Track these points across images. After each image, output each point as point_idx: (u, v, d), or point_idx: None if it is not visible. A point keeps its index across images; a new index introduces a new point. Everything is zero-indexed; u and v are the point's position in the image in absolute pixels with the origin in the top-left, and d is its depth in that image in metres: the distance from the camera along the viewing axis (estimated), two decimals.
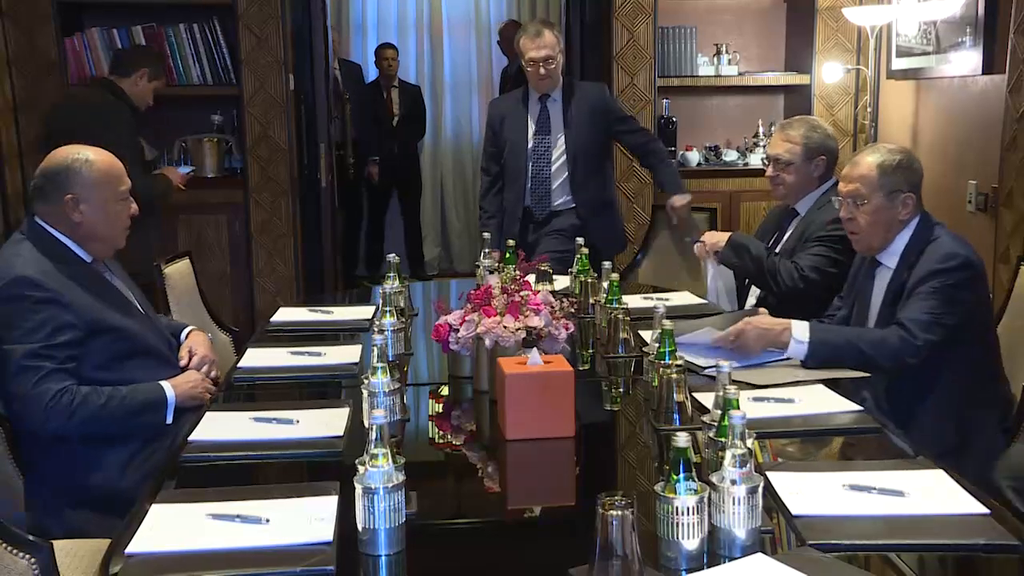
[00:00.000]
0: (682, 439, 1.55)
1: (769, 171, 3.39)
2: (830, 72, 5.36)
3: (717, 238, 3.45)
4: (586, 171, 4.23)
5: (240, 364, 2.71)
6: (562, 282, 3.55)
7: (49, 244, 2.49)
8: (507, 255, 3.38)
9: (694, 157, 5.67)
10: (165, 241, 4.77)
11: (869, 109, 5.05)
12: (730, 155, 5.71)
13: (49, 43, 4.99)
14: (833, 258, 3.14)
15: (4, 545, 1.60)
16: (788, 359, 2.58)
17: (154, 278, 3.24)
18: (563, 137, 4.20)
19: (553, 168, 4.24)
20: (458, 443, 2.33)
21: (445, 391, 2.63)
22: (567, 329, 2.53)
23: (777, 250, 3.37)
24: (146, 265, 3.26)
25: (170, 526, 1.67)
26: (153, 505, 1.75)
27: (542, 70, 4.01)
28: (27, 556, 1.59)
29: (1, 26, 4.71)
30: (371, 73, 7.58)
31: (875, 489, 1.75)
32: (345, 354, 2.76)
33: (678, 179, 4.35)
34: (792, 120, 3.45)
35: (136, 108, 4.41)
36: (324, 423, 2.17)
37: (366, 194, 7.48)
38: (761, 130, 5.74)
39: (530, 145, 4.23)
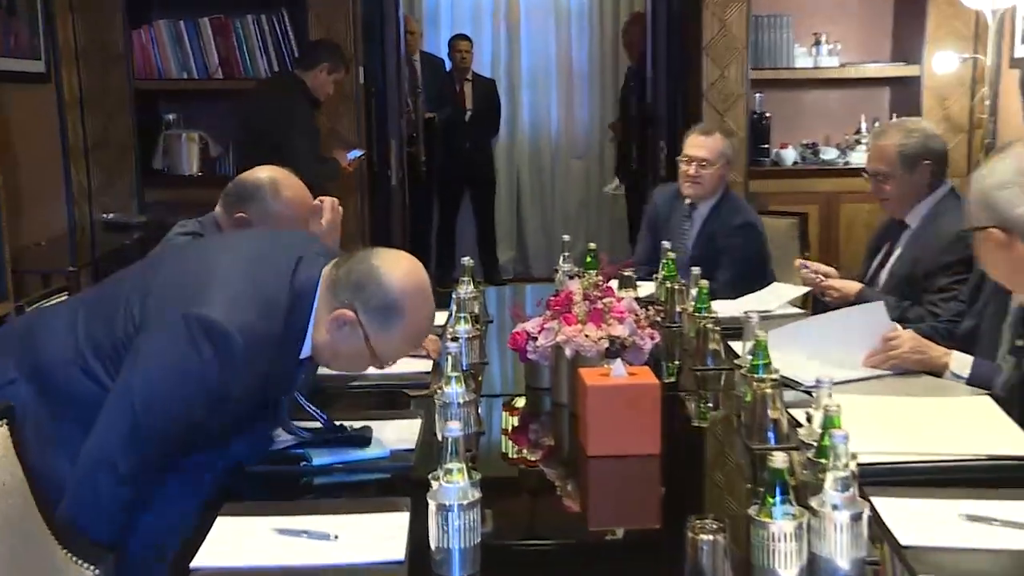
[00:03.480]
0: (778, 459, 1.53)
1: (871, 187, 3.30)
2: (943, 62, 5.23)
3: (844, 287, 3.29)
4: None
5: None
6: (647, 288, 3.53)
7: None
8: (588, 259, 3.37)
9: (789, 155, 5.60)
10: None
11: (987, 102, 4.90)
12: (829, 153, 5.62)
13: (116, 36, 5.15)
14: (962, 300, 2.97)
15: (69, 554, 1.64)
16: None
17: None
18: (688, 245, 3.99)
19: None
20: (535, 459, 2.33)
21: (521, 403, 2.63)
22: (652, 339, 2.51)
23: (887, 268, 3.29)
24: None
25: (236, 541, 1.70)
26: (218, 518, 1.79)
27: (691, 170, 3.89)
28: (91, 567, 1.63)
29: (70, 19, 4.86)
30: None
31: (997, 521, 1.70)
32: (416, 363, 2.79)
33: None
34: (885, 127, 3.38)
35: (317, 100, 4.84)
36: (393, 435, 2.19)
37: (437, 193, 7.55)
38: (864, 126, 5.63)
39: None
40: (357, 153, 5.16)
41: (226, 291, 1.91)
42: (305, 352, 2.02)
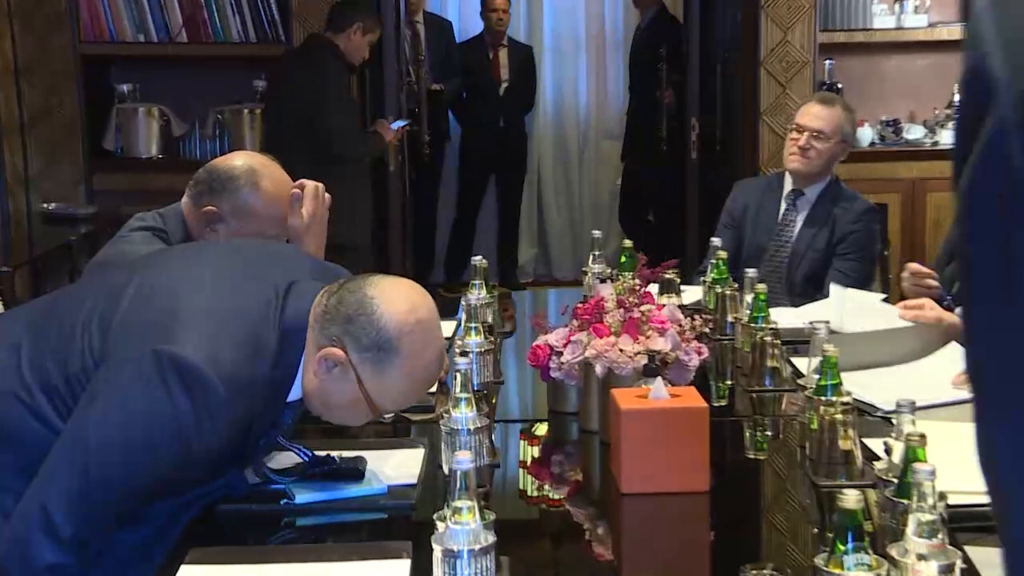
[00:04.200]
0: (851, 499, 1.54)
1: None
2: None
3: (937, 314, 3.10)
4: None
5: None
6: (693, 294, 3.54)
7: (182, 240, 2.62)
8: (623, 258, 3.38)
9: (866, 135, 5.59)
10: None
11: None
12: (914, 131, 5.62)
13: None
14: None
15: None
16: None
17: (370, 254, 3.40)
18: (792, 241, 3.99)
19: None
20: (559, 497, 2.35)
21: (543, 430, 2.64)
22: (700, 354, 2.52)
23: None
24: (362, 238, 3.44)
25: None
26: (182, 567, 1.80)
27: (802, 140, 3.90)
28: None
29: None
30: (468, 30, 7.67)
31: None
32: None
33: None
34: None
35: (352, 65, 5.06)
36: (392, 468, 2.20)
37: (459, 181, 7.55)
38: (957, 98, 5.62)
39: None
40: (401, 123, 5.30)
41: (205, 326, 1.90)
42: (294, 395, 2.03)
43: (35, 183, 5.14)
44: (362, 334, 1.95)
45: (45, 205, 5.18)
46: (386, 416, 2.09)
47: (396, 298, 1.99)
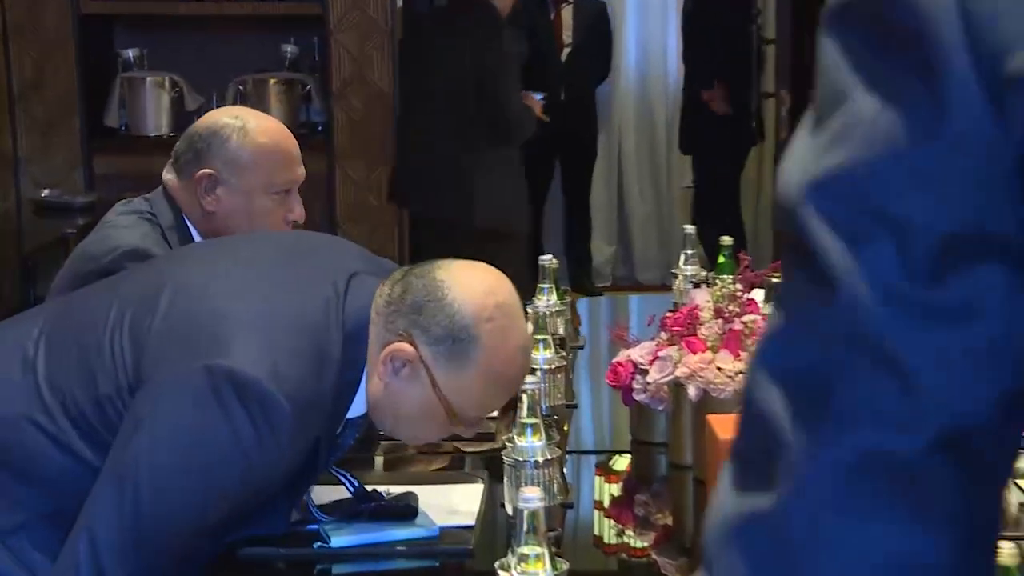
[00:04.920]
0: (1004, 553, 1.52)
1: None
2: None
3: None
4: None
5: None
6: None
7: (176, 224, 2.66)
8: (721, 258, 3.37)
9: None
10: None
11: None
12: None
13: None
14: None
15: None
16: None
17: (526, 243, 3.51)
18: None
19: None
20: (644, 545, 2.34)
21: (624, 463, 2.65)
22: None
23: None
24: (518, 225, 4.05)
25: None
26: None
27: None
28: None
29: None
30: None
31: None
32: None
33: None
34: None
35: (499, 15, 5.07)
36: (445, 507, 2.21)
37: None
38: None
39: None
40: (539, 96, 5.36)
41: (261, 334, 1.89)
42: (355, 411, 2.02)
43: (25, 166, 5.21)
44: (433, 323, 1.94)
45: (38, 192, 5.25)
46: (466, 430, 2.07)
47: (471, 280, 1.99)
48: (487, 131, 4.80)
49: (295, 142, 2.78)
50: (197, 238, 2.68)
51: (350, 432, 2.07)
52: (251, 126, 2.69)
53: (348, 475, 2.15)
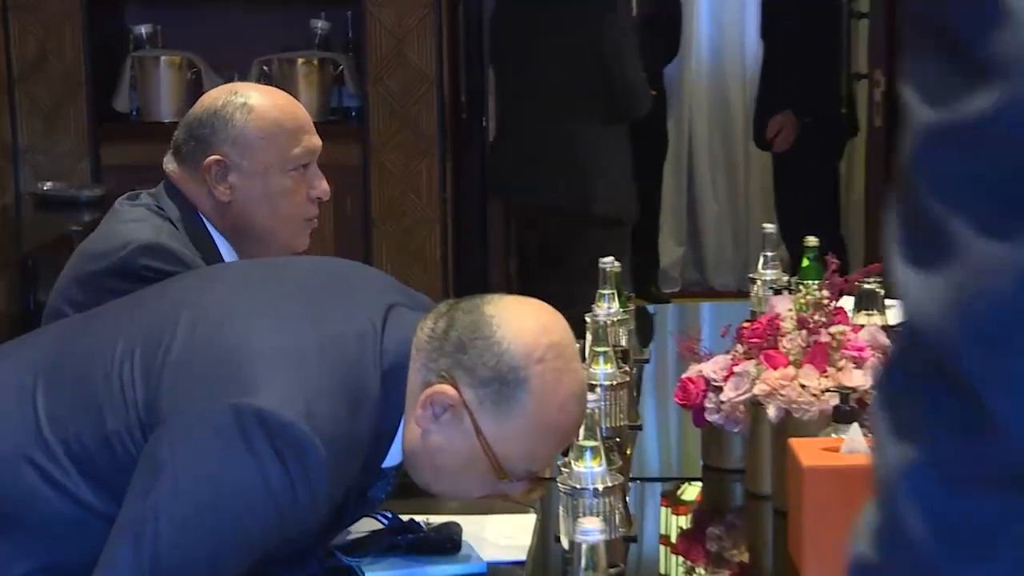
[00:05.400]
0: None
1: None
2: None
3: None
4: None
5: None
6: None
7: (187, 220, 2.65)
8: (805, 261, 3.35)
9: None
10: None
11: None
12: None
13: None
14: None
15: None
16: None
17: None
18: None
19: None
20: None
21: (695, 493, 2.65)
22: None
23: None
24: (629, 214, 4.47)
25: None
26: None
27: None
28: None
29: None
30: None
31: None
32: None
33: None
34: None
35: None
36: (494, 539, 2.22)
37: None
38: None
39: None
40: None
41: (291, 370, 1.88)
42: (390, 460, 2.01)
43: (26, 156, 5.25)
44: (479, 364, 1.93)
45: (40, 185, 5.30)
46: (513, 487, 2.03)
47: (522, 317, 1.98)
48: (605, 105, 4.98)
49: (305, 111, 2.79)
50: (213, 233, 2.68)
51: (382, 485, 2.06)
52: (254, 100, 2.69)
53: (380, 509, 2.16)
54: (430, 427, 1.94)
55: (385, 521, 2.16)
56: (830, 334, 2.48)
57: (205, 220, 2.68)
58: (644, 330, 3.59)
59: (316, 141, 2.74)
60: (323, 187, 2.74)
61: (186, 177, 2.68)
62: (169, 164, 2.71)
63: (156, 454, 1.83)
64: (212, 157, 2.64)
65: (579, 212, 4.99)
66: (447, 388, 1.92)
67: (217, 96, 2.72)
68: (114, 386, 1.91)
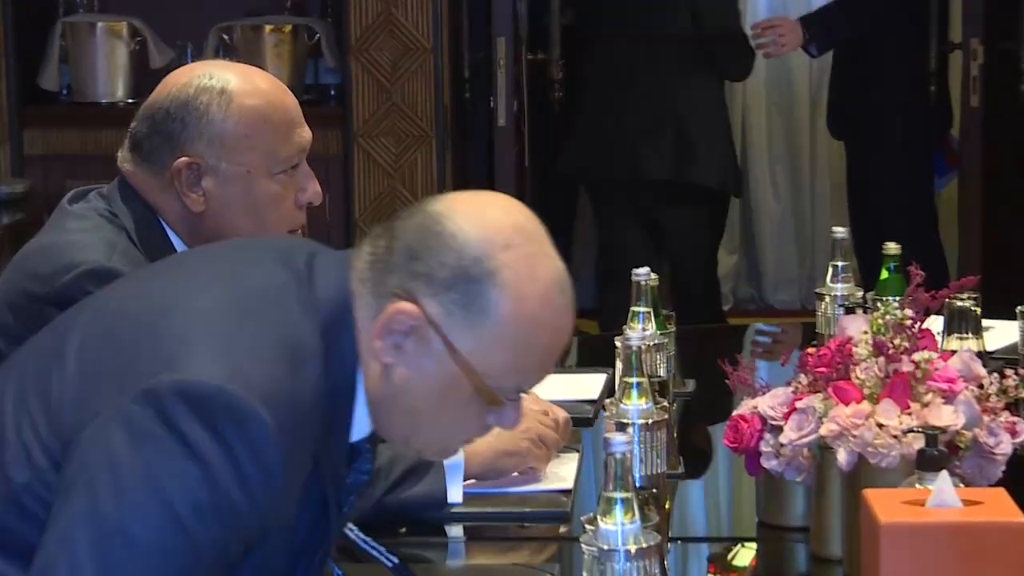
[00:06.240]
0: None
1: None
2: None
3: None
4: None
5: None
6: (1004, 334, 3.53)
7: (146, 230, 2.63)
8: (883, 274, 3.37)
9: None
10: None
11: None
12: None
13: None
14: None
15: None
16: None
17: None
18: None
19: None
20: None
21: (748, 556, 2.67)
22: (1015, 434, 2.51)
23: None
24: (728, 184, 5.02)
25: None
26: None
27: None
28: None
29: None
30: None
31: None
32: (548, 473, 2.82)
33: None
34: None
35: None
36: None
37: None
38: None
39: None
40: None
41: (211, 333, 1.88)
42: (359, 431, 2.00)
43: None
44: (435, 265, 1.91)
45: None
46: (511, 417, 2.01)
47: (477, 205, 1.99)
48: (705, 67, 5.50)
49: (293, 97, 2.73)
50: (178, 246, 2.63)
51: (359, 463, 2.05)
52: (233, 85, 2.63)
53: (383, 548, 2.18)
54: (393, 360, 1.92)
55: (389, 563, 2.20)
56: (913, 362, 2.49)
57: (168, 229, 2.65)
58: (687, 356, 3.59)
59: (307, 135, 2.71)
60: (314, 189, 2.75)
61: (148, 179, 2.64)
62: (126, 162, 2.67)
63: (68, 474, 1.82)
64: (183, 159, 2.60)
65: (682, 183, 5.54)
66: (404, 305, 1.89)
67: (187, 80, 2.65)
68: (10, 437, 1.90)
